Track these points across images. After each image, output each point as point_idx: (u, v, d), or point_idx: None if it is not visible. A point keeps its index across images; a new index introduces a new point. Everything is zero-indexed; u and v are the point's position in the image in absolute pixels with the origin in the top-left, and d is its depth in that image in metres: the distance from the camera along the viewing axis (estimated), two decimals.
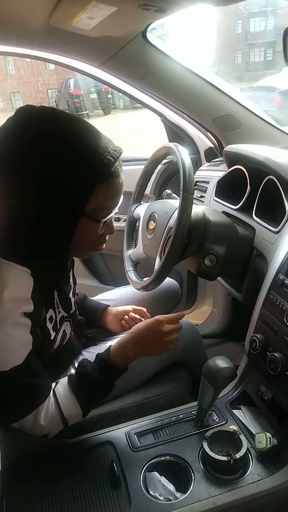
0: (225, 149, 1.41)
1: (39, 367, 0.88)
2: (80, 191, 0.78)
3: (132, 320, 1.26)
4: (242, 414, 1.02)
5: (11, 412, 0.87)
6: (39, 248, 0.83)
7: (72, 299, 1.06)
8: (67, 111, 0.83)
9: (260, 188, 1.18)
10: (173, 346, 1.01)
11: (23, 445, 0.96)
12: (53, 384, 0.94)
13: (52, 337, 0.94)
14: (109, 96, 13.70)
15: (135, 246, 1.33)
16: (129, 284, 1.28)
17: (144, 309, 1.29)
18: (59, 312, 0.97)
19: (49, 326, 0.92)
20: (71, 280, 1.07)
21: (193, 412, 1.03)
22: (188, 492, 0.86)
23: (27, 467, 0.94)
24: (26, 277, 0.81)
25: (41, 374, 0.89)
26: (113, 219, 0.90)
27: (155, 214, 1.22)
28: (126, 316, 1.24)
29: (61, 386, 0.93)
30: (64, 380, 0.94)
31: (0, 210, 0.80)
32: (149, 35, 1.27)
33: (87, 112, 13.95)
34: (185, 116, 1.69)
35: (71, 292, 1.05)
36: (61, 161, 0.76)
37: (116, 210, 0.88)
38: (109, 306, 1.28)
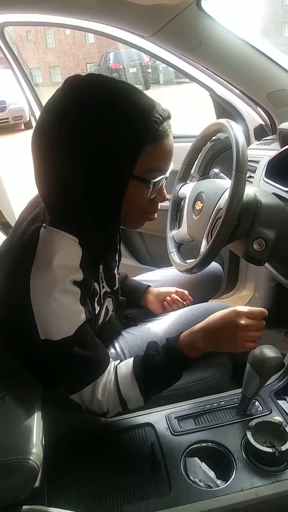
0: (279, 126, 1.33)
1: (94, 340, 0.87)
2: (128, 151, 0.77)
3: (174, 302, 1.23)
4: (287, 405, 0.99)
5: (66, 383, 0.87)
6: (88, 216, 0.82)
7: (117, 276, 1.04)
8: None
9: None
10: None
11: (66, 423, 0.97)
12: (117, 362, 0.93)
13: (96, 312, 0.93)
14: (149, 70, 13.41)
15: (179, 227, 1.30)
16: (170, 265, 1.25)
17: (186, 292, 1.27)
18: (103, 287, 0.96)
19: (95, 299, 0.92)
20: (117, 256, 1.05)
21: (235, 400, 1.01)
22: (230, 480, 0.84)
23: (69, 444, 0.95)
24: (75, 246, 0.81)
25: (96, 347, 0.87)
26: (164, 184, 0.87)
27: (202, 194, 1.17)
28: (168, 298, 1.22)
29: (124, 364, 0.91)
30: (130, 360, 0.92)
31: (50, 178, 0.80)
32: (203, 4, 1.19)
33: None
34: (236, 90, 1.61)
35: (116, 268, 1.03)
36: (108, 122, 0.75)
37: (167, 174, 0.85)
38: (150, 286, 1.26)
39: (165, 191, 0.88)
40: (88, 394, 0.86)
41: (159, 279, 1.34)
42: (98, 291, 0.93)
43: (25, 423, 0.81)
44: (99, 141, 0.75)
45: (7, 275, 0.84)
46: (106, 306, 1.01)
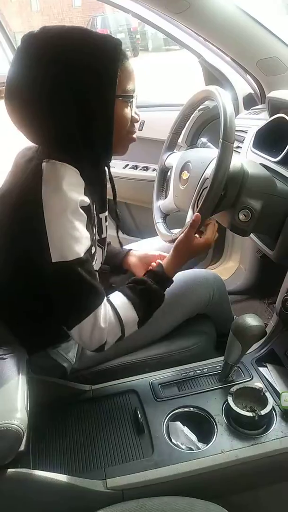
0: (268, 94, 1.31)
1: (94, 270, 0.92)
2: (108, 76, 0.86)
3: None
4: (268, 372, 1.02)
5: (72, 309, 0.89)
6: (85, 148, 0.89)
7: (105, 223, 1.06)
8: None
9: None
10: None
11: (50, 390, 0.98)
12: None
13: (93, 252, 0.96)
14: (138, 36, 12.99)
15: (166, 197, 1.28)
16: (155, 236, 1.25)
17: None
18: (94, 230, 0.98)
19: (95, 230, 0.96)
20: (106, 202, 1.06)
21: (217, 367, 1.03)
22: (211, 443, 0.87)
23: (53, 410, 0.97)
24: (78, 176, 0.88)
25: (96, 276, 0.91)
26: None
27: (189, 163, 1.16)
28: (153, 263, 1.23)
29: (115, 294, 0.97)
30: (117, 292, 0.97)
31: (43, 122, 0.88)
32: None
33: None
34: (225, 57, 1.57)
35: (104, 214, 1.05)
36: (86, 58, 0.84)
37: (136, 94, 0.94)
38: (132, 249, 1.26)
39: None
40: (89, 326, 0.88)
41: (143, 249, 1.34)
42: (95, 232, 0.97)
43: (10, 389, 0.82)
44: (83, 73, 0.84)
45: (14, 206, 0.88)
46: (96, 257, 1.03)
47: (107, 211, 1.07)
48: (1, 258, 0.94)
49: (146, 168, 1.96)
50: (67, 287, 0.87)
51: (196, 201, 1.07)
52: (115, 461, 0.86)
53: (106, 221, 1.07)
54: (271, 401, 0.89)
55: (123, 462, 0.86)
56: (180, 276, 1.20)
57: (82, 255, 0.85)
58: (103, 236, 1.05)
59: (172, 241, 1.11)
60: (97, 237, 1.00)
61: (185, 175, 1.16)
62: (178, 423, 0.92)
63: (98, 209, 0.99)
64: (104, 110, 0.87)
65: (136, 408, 0.95)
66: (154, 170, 1.77)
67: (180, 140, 1.48)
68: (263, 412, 0.87)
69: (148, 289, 0.97)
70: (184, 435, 0.90)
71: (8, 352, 0.90)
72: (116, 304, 0.94)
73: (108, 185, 1.06)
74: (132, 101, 0.92)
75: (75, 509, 0.81)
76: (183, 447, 0.88)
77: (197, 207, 1.04)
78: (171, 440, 0.89)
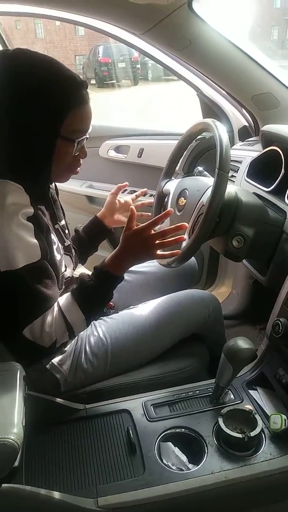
0: (262, 128, 1.37)
1: (49, 278, 0.93)
2: (55, 116, 0.89)
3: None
4: (258, 395, 1.04)
5: (21, 314, 0.91)
6: (27, 170, 0.92)
7: (65, 232, 1.10)
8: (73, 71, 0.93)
9: None
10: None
11: (45, 407, 0.99)
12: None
13: (58, 259, 1.00)
14: (138, 66, 13.38)
15: (163, 222, 1.33)
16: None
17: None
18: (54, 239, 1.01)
19: (53, 247, 0.98)
20: (61, 212, 1.11)
21: (209, 389, 1.05)
22: (201, 464, 0.88)
23: (47, 427, 0.98)
24: (21, 191, 0.90)
25: (49, 284, 0.93)
26: (85, 145, 0.99)
27: (186, 190, 1.21)
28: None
29: (64, 296, 0.98)
30: (67, 293, 0.99)
31: None
32: (195, 5, 1.22)
33: (115, 81, 13.70)
34: (222, 91, 1.64)
35: (61, 223, 1.08)
36: (34, 94, 0.87)
37: (87, 135, 0.96)
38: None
39: (86, 149, 1.00)
40: (38, 327, 0.91)
41: (141, 270, 1.37)
42: (56, 241, 1.01)
43: (6, 405, 0.83)
44: (27, 109, 0.87)
45: None
46: (65, 264, 1.07)
47: (63, 221, 1.11)
48: None
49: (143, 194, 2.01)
50: (16, 293, 0.89)
51: (192, 227, 1.11)
52: (107, 480, 0.87)
53: (65, 229, 1.12)
54: (260, 423, 0.91)
55: (114, 481, 0.87)
56: (177, 295, 1.24)
57: (29, 262, 0.88)
58: (66, 244, 1.09)
59: (168, 264, 1.15)
60: (60, 245, 1.04)
61: (182, 201, 1.21)
62: (170, 443, 0.94)
63: (51, 220, 1.03)
64: (43, 145, 0.91)
65: (128, 428, 0.97)
66: (151, 195, 1.82)
67: (177, 167, 1.54)
68: (252, 434, 0.89)
69: (86, 287, 0.97)
70: (175, 456, 0.92)
71: (5, 368, 0.92)
72: (63, 306, 0.96)
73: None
74: (79, 141, 0.94)
75: None
76: (174, 467, 0.89)
77: (192, 232, 1.09)
78: (162, 461, 0.90)
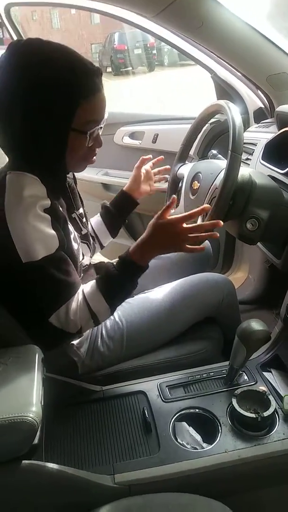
0: (277, 109, 1.35)
1: (69, 266, 0.95)
2: (64, 108, 0.87)
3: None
4: (272, 376, 1.04)
5: (45, 303, 0.94)
6: (42, 163, 0.92)
7: (82, 220, 1.11)
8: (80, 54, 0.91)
9: None
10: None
11: (64, 389, 1.02)
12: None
13: (75, 248, 1.01)
14: (154, 52, 13.21)
15: (177, 206, 1.33)
16: None
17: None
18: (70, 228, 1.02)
19: (70, 236, 0.99)
20: (79, 201, 1.11)
21: (223, 371, 1.06)
22: (215, 443, 0.90)
23: (66, 408, 1.01)
24: (37, 183, 0.91)
25: (70, 271, 0.95)
26: (100, 133, 0.97)
27: (199, 174, 1.21)
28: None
29: (88, 285, 0.99)
30: (92, 281, 0.99)
31: (4, 131, 0.92)
32: None
33: (131, 68, 13.57)
34: (237, 73, 1.62)
35: (78, 212, 1.09)
36: (44, 83, 0.85)
37: (102, 124, 0.95)
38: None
39: (101, 138, 0.98)
40: (63, 314, 0.93)
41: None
42: (72, 230, 1.02)
43: (25, 385, 0.86)
44: (37, 100, 0.86)
45: None
46: (82, 252, 1.08)
47: (81, 209, 1.11)
48: None
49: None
50: (39, 283, 0.92)
51: None
52: (123, 458, 0.90)
53: (83, 217, 1.12)
54: (274, 404, 0.92)
55: (130, 459, 0.90)
56: (191, 279, 1.25)
57: (50, 253, 0.89)
58: (83, 232, 1.10)
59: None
60: (77, 234, 1.05)
61: (196, 185, 1.21)
62: (184, 423, 0.96)
63: (68, 209, 1.03)
64: (55, 138, 0.90)
65: (144, 408, 0.99)
66: (166, 181, 1.81)
67: (192, 152, 1.53)
68: (265, 414, 0.90)
69: (110, 276, 0.97)
70: (189, 435, 0.93)
71: (24, 351, 0.95)
72: (87, 295, 0.96)
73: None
74: (92, 132, 0.92)
75: (84, 502, 0.85)
76: (188, 446, 0.91)
77: (206, 215, 1.09)
78: (177, 440, 0.92)
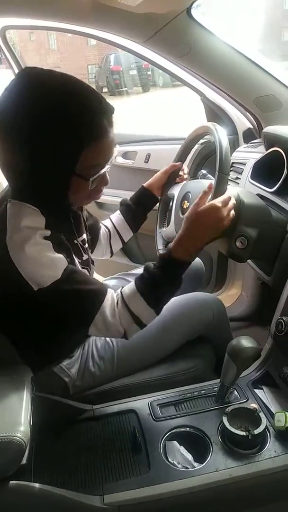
0: (264, 130, 1.39)
1: (84, 277, 0.93)
2: (68, 153, 0.84)
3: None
4: (263, 393, 1.04)
5: (76, 321, 0.93)
6: (43, 197, 0.90)
7: (84, 246, 1.10)
8: (65, 74, 0.87)
9: None
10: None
11: (53, 407, 1.02)
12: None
13: None
14: (149, 73, 13.49)
15: (168, 225, 1.35)
16: None
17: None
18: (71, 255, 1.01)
19: (72, 255, 0.97)
20: (82, 227, 1.11)
21: (214, 389, 1.06)
22: (206, 462, 0.89)
23: (55, 427, 1.00)
24: (37, 214, 0.89)
25: (88, 279, 0.94)
26: (107, 173, 0.94)
27: (189, 193, 1.23)
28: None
29: (127, 287, 0.97)
30: (131, 284, 0.97)
31: (7, 163, 0.89)
32: (193, 12, 1.25)
33: (126, 89, 13.82)
34: (225, 95, 1.66)
35: (80, 239, 1.08)
36: (49, 126, 0.81)
37: (108, 165, 0.92)
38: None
39: (107, 177, 0.95)
40: (100, 322, 0.91)
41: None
42: (73, 257, 1.00)
43: (14, 405, 0.86)
44: (41, 142, 0.82)
45: None
46: None
47: (84, 235, 1.11)
48: None
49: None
50: (57, 307, 0.90)
51: None
52: (113, 478, 0.89)
53: (85, 243, 1.11)
54: (264, 421, 0.92)
55: (120, 479, 0.89)
56: (181, 298, 1.26)
57: (59, 276, 0.87)
58: (84, 258, 1.09)
59: None
60: (78, 260, 1.04)
61: (185, 204, 1.23)
62: (175, 442, 0.95)
63: (69, 237, 1.00)
64: (56, 179, 0.87)
65: (134, 428, 0.98)
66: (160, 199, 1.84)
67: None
68: (256, 432, 0.90)
69: (151, 276, 0.94)
70: (180, 455, 0.93)
71: (14, 370, 0.95)
72: (126, 297, 0.94)
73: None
74: (95, 179, 0.90)
75: None
76: (179, 466, 0.90)
77: None
78: (167, 459, 0.91)
